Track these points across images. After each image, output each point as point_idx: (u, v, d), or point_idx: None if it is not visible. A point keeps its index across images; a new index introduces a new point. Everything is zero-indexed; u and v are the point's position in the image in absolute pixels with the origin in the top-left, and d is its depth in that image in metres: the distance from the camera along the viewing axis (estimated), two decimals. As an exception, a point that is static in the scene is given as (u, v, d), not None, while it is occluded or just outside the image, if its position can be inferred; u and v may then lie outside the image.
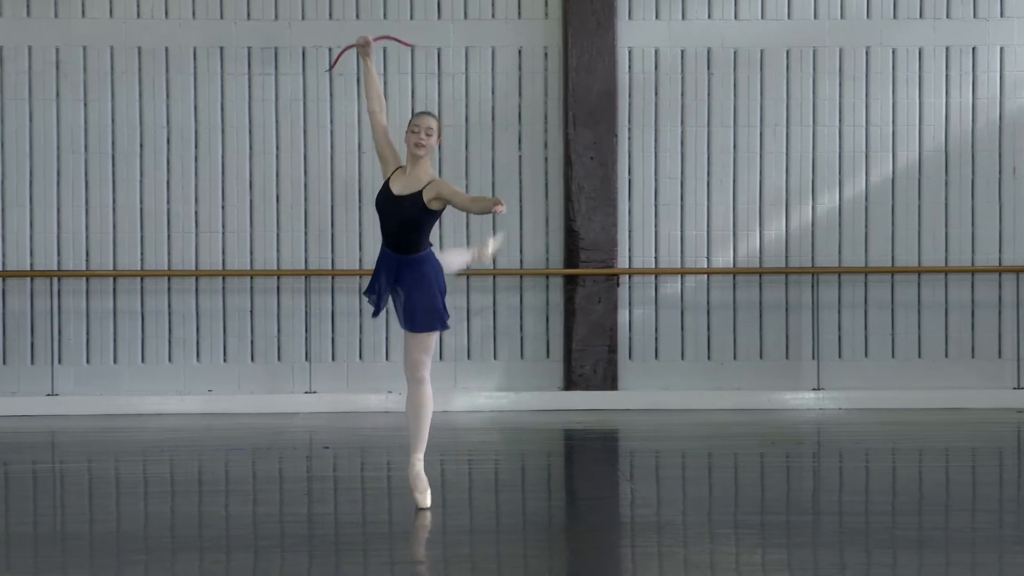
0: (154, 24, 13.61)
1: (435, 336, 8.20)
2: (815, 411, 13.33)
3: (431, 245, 8.19)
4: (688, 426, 12.27)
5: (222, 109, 13.66)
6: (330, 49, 13.64)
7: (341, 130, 13.72)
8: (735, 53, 13.82)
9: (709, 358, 13.81)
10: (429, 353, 8.21)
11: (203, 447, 11.05)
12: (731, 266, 13.82)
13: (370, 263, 13.67)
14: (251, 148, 13.69)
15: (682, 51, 13.81)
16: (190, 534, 7.54)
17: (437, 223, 8.21)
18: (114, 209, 13.62)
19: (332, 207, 13.72)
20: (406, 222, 7.99)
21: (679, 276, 13.76)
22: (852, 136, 13.84)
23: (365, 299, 8.31)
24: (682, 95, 13.79)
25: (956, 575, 6.62)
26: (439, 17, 13.72)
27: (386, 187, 8.05)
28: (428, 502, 8.04)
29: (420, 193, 7.97)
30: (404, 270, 8.06)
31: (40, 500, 8.72)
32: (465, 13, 13.72)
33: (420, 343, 8.16)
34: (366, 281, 13.57)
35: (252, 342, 13.71)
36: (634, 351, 13.79)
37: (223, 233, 13.68)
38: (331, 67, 8.59)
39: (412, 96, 13.72)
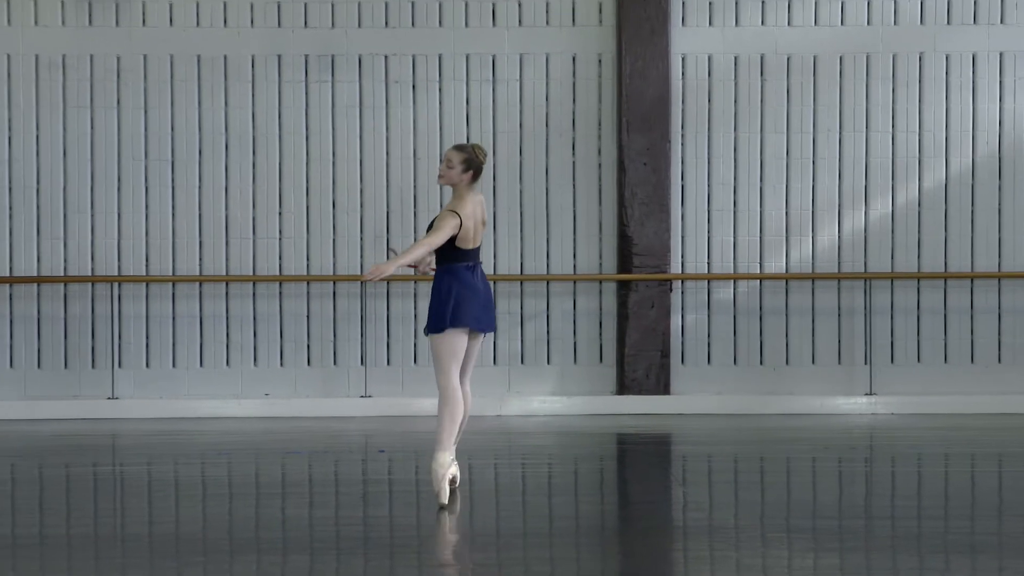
0: (213, 32, 13.72)
1: (437, 340, 8.57)
2: (867, 416, 13.29)
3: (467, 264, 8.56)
4: (740, 431, 12.26)
5: (279, 116, 13.75)
6: (386, 57, 13.74)
7: (396, 137, 13.80)
8: (788, 59, 13.81)
9: (761, 363, 13.80)
10: (437, 361, 8.70)
11: (260, 450, 11.11)
12: (784, 271, 13.81)
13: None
14: (308, 155, 13.78)
15: (735, 57, 13.81)
16: (247, 536, 7.60)
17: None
18: (173, 215, 13.73)
19: (388, 213, 13.78)
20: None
21: (732, 281, 13.76)
22: (905, 142, 13.80)
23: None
24: (735, 101, 13.79)
25: (1007, 580, 6.61)
26: (494, 24, 13.79)
27: (472, 219, 8.61)
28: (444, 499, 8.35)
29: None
30: (484, 284, 8.72)
31: (100, 502, 8.81)
32: (520, 20, 13.77)
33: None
34: (420, 286, 13.73)
35: (308, 346, 13.80)
36: (687, 356, 13.80)
37: (280, 239, 13.76)
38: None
39: (467, 103, 13.77)
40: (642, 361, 13.64)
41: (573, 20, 13.77)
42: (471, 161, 8.59)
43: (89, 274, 13.68)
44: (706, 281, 13.78)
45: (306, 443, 11.46)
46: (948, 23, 13.79)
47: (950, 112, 13.81)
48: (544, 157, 13.77)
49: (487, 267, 13.74)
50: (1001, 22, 13.80)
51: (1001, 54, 13.81)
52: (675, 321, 13.73)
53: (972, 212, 13.84)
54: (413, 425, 12.72)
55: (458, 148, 8.63)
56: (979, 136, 13.81)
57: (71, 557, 7.08)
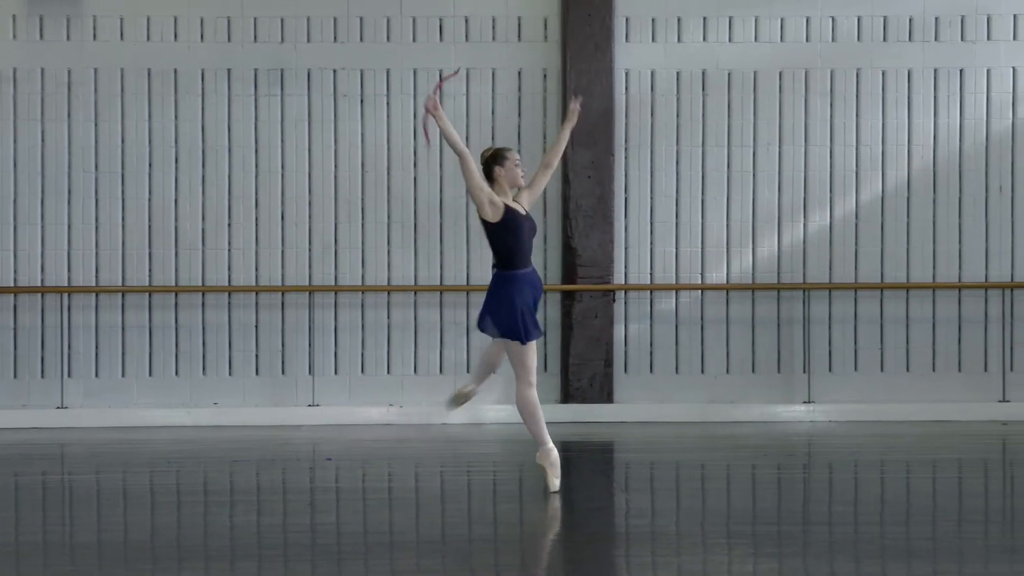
0: (163, 46, 13.73)
1: (522, 346, 9.02)
2: (806, 423, 13.37)
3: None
4: (682, 438, 12.29)
5: (229, 129, 13.77)
6: (335, 71, 13.80)
7: (345, 150, 13.84)
8: (729, 75, 13.93)
9: (703, 372, 13.91)
10: (520, 364, 9.06)
11: (209, 459, 11.08)
12: (725, 282, 13.90)
13: (372, 279, 13.83)
14: (257, 167, 13.80)
15: (678, 73, 13.93)
16: (196, 544, 7.59)
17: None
18: (123, 227, 13.71)
19: (336, 225, 13.81)
20: (534, 231, 9.20)
21: (674, 292, 13.84)
22: (843, 156, 13.93)
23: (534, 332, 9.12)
24: (678, 116, 13.89)
25: (940, 584, 6.68)
26: (441, 39, 13.84)
27: (514, 211, 9.11)
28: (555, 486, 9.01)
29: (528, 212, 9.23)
30: (538, 282, 9.19)
31: (49, 511, 8.77)
32: (467, 36, 13.82)
33: (513, 354, 9.15)
34: (369, 296, 13.76)
35: (257, 356, 13.81)
36: (630, 365, 13.90)
37: (229, 250, 13.77)
38: (427, 137, 9.34)
39: (415, 117, 13.81)
40: (586, 370, 13.73)
41: (519, 36, 13.84)
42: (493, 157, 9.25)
43: (39, 284, 13.65)
44: (649, 291, 13.87)
45: (254, 452, 11.45)
46: (884, 40, 13.93)
47: (886, 127, 13.95)
48: (490, 169, 13.83)
49: (433, 279, 13.87)
50: (936, 39, 13.95)
51: (936, 70, 13.97)
52: (618, 331, 13.83)
53: (908, 224, 13.97)
54: (360, 433, 12.69)
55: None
56: (914, 150, 13.95)
57: (19, 565, 7.05)
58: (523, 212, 9.20)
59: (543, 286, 9.50)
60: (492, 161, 9.21)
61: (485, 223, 9.10)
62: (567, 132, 9.44)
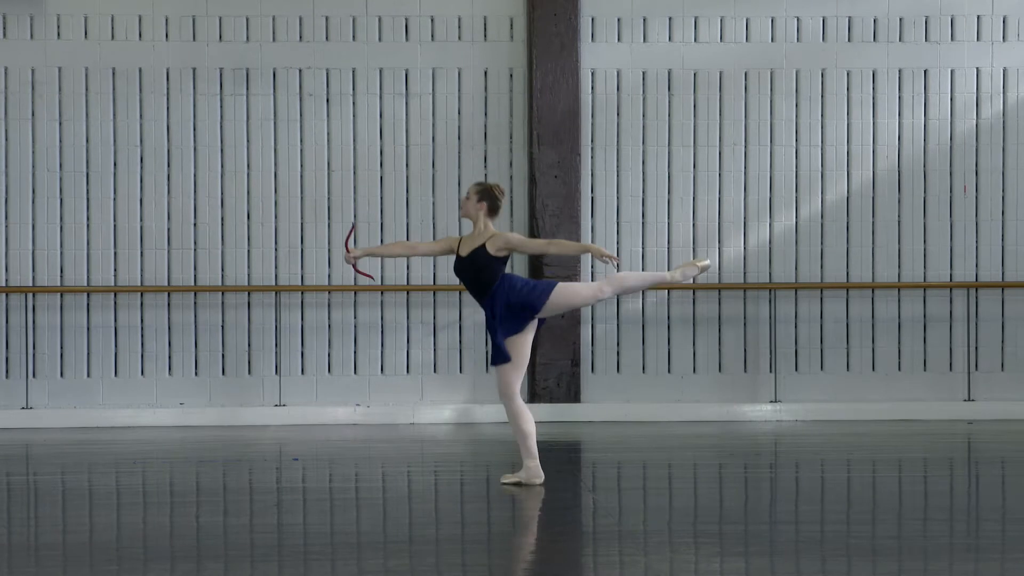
0: (128, 46, 13.71)
1: (506, 367, 9.35)
2: (772, 423, 13.43)
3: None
4: (649, 437, 12.32)
5: (194, 129, 13.75)
6: (300, 71, 13.79)
7: (311, 149, 13.84)
8: (695, 75, 13.97)
9: (669, 371, 13.95)
10: (505, 380, 9.38)
11: (175, 459, 11.06)
12: (691, 282, 13.94)
13: (338, 279, 13.83)
14: (223, 167, 13.78)
15: (643, 73, 13.96)
16: (162, 544, 7.56)
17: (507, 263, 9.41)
18: (88, 226, 13.71)
19: (302, 224, 13.82)
20: (478, 271, 9.28)
21: (640, 292, 13.98)
22: (808, 156, 14.00)
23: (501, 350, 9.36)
24: (643, 115, 13.92)
25: (906, 582, 6.70)
26: (407, 39, 13.86)
27: (457, 255, 9.44)
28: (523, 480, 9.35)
29: (483, 247, 9.31)
30: (490, 309, 9.31)
31: (14, 511, 8.73)
32: (432, 35, 13.85)
33: (499, 370, 9.41)
34: (335, 296, 13.77)
35: (223, 356, 13.79)
36: (596, 364, 13.93)
37: (195, 249, 13.75)
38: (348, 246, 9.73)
39: (380, 116, 13.84)
40: (553, 370, 13.76)
41: (485, 35, 13.86)
42: (484, 193, 9.42)
43: (3, 284, 13.62)
44: (615, 291, 13.93)
45: (221, 452, 11.44)
46: (849, 40, 14.01)
47: (851, 127, 14.02)
48: (456, 170, 13.85)
49: (399, 278, 13.87)
50: (900, 40, 14.03)
51: (900, 71, 14.05)
52: (585, 331, 13.86)
53: (873, 224, 14.06)
54: (327, 433, 12.70)
55: (475, 184, 9.55)
56: (879, 151, 14.03)
57: None
58: (463, 255, 9.43)
59: (499, 300, 9.42)
60: None
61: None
62: (569, 251, 9.54)
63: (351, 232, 9.78)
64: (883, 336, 14.03)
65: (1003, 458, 11.22)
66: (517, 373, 9.31)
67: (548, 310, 9.30)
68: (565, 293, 9.30)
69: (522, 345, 9.30)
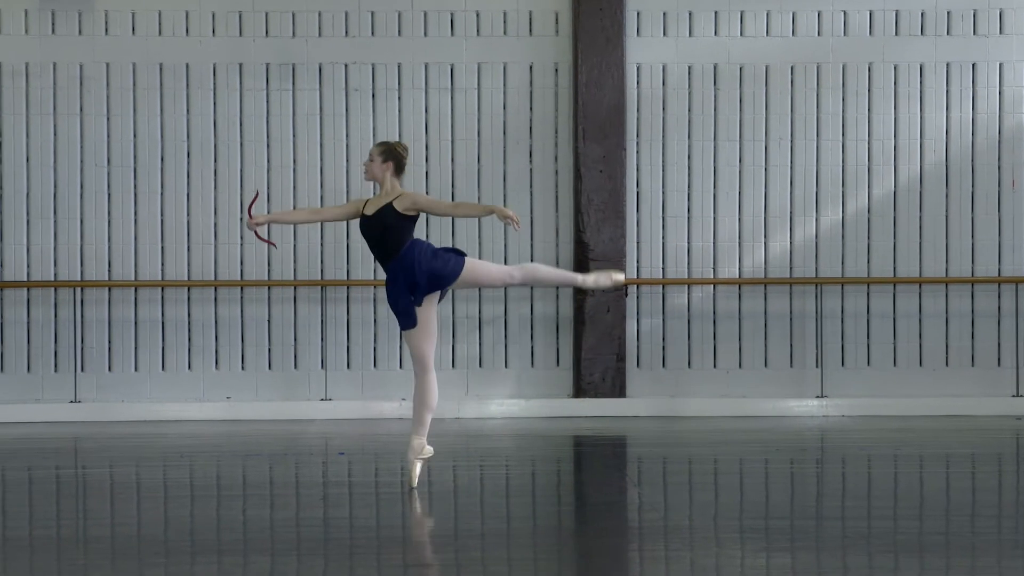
0: (175, 41, 13.78)
1: (417, 333, 8.95)
2: (819, 418, 13.40)
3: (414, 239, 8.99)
4: (694, 433, 12.32)
5: (241, 124, 13.81)
6: (346, 66, 13.82)
7: (356, 144, 13.87)
8: (741, 69, 13.95)
9: (715, 366, 13.94)
10: (421, 351, 8.99)
11: (222, 453, 11.13)
12: (737, 276, 13.93)
13: (383, 273, 13.84)
14: (269, 162, 13.84)
15: (689, 67, 13.95)
16: (208, 538, 7.60)
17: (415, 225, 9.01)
18: (135, 221, 13.78)
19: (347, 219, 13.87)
20: (385, 230, 8.92)
21: (686, 286, 13.87)
22: (855, 150, 13.95)
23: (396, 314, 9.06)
24: (689, 110, 13.92)
25: (953, 578, 6.71)
26: (452, 34, 13.89)
27: (362, 215, 9.07)
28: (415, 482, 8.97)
29: (390, 204, 8.95)
30: (400, 273, 8.94)
31: (63, 504, 8.78)
32: (478, 30, 13.87)
33: (410, 337, 9.01)
34: (381, 290, 13.79)
35: (269, 350, 13.86)
36: (642, 359, 13.93)
37: (241, 244, 13.80)
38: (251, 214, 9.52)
39: (426, 111, 13.87)
40: (598, 365, 13.76)
41: (530, 30, 13.87)
42: (388, 152, 9.08)
43: (52, 279, 13.71)
44: (661, 286, 13.91)
45: (267, 446, 11.49)
46: (896, 34, 13.95)
47: (898, 121, 13.96)
48: (502, 165, 13.88)
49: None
50: (948, 33, 13.97)
51: (948, 64, 13.98)
52: (631, 325, 13.86)
53: (920, 219, 13.99)
54: (372, 427, 12.73)
55: (376, 144, 9.22)
56: (927, 144, 13.96)
57: (33, 559, 7.07)
58: (368, 214, 9.08)
59: (415, 267, 9.02)
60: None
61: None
62: (474, 212, 9.23)
63: (254, 199, 9.47)
64: (930, 331, 13.96)
65: (1052, 454, 11.18)
66: (430, 343, 8.99)
67: (458, 283, 9.03)
68: (476, 270, 9.01)
69: (430, 313, 9.02)
